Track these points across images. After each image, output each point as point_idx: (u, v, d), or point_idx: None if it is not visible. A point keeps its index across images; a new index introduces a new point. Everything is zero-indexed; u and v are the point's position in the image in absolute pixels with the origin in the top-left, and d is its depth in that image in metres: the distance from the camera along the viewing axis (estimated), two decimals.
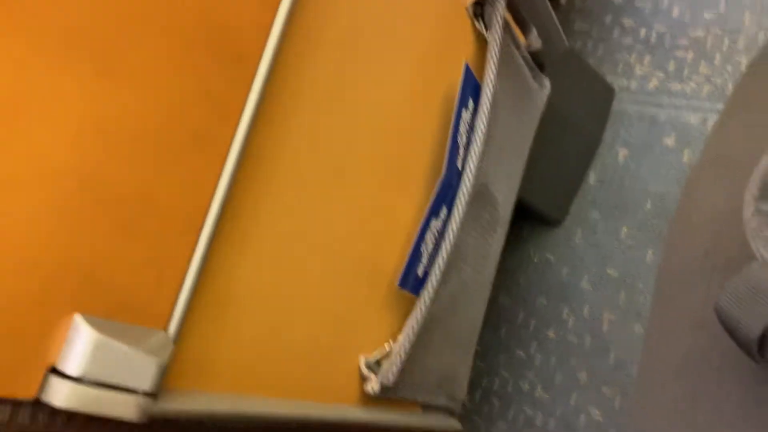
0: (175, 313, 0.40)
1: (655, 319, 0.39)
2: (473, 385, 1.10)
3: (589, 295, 1.03)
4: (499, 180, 0.75)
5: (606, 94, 1.09)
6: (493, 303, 1.09)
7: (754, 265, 0.28)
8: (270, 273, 0.49)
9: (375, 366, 0.63)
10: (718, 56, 1.02)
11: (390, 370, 0.61)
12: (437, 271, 0.63)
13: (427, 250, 0.64)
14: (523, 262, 1.12)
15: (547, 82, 0.83)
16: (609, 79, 1.12)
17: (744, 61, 0.99)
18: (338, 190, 0.55)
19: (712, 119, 0.99)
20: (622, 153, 1.07)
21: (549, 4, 0.75)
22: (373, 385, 0.61)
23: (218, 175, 0.41)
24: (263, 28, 0.41)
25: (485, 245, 0.75)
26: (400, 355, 0.62)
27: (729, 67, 1.00)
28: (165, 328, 0.40)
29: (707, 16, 1.05)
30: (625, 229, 1.03)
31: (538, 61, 0.82)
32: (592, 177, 1.09)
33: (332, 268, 0.57)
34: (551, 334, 1.05)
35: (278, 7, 0.41)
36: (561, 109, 1.00)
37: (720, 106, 1.00)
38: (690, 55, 1.05)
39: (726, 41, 1.02)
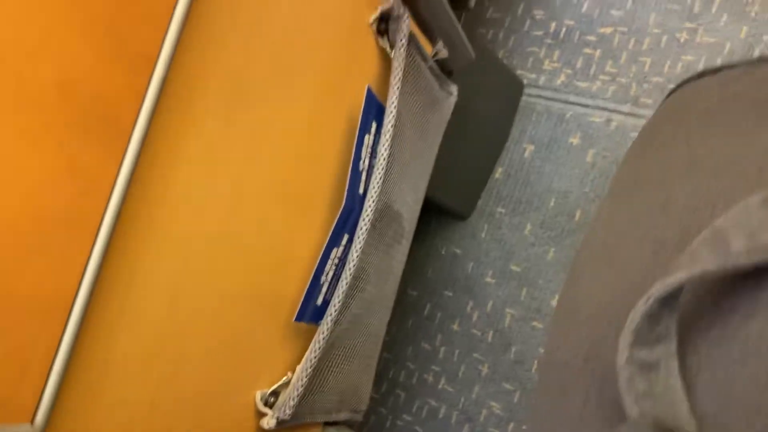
0: (43, 403, 0.37)
1: (539, 406, 0.39)
2: (380, 377, 1.12)
3: (492, 290, 1.05)
4: (404, 195, 0.73)
5: (515, 88, 1.09)
6: (402, 294, 1.10)
7: (623, 428, 0.28)
8: (155, 330, 0.46)
9: (272, 399, 0.62)
10: (624, 55, 1.03)
11: (287, 403, 0.60)
12: (337, 300, 0.62)
13: (327, 280, 0.63)
14: (431, 255, 1.12)
15: (454, 89, 0.82)
16: (519, 72, 1.11)
17: (648, 62, 1.01)
18: (236, 226, 0.52)
19: (616, 120, 1.01)
20: (529, 149, 1.08)
21: (453, 15, 0.72)
22: (268, 421, 0.60)
23: (88, 253, 0.38)
24: (135, 94, 0.37)
25: (389, 260, 0.75)
26: (298, 387, 0.61)
27: (633, 68, 1.02)
28: (31, 421, 0.37)
29: (615, 13, 1.05)
30: (529, 226, 1.04)
31: (447, 69, 0.80)
32: (499, 171, 1.10)
33: (230, 306, 0.54)
34: (456, 326, 1.06)
35: (152, 70, 0.37)
36: (470, 106, 1.00)
37: (624, 108, 1.01)
38: (597, 53, 1.05)
39: (632, 41, 1.03)
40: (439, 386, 1.05)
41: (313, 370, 0.61)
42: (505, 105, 1.08)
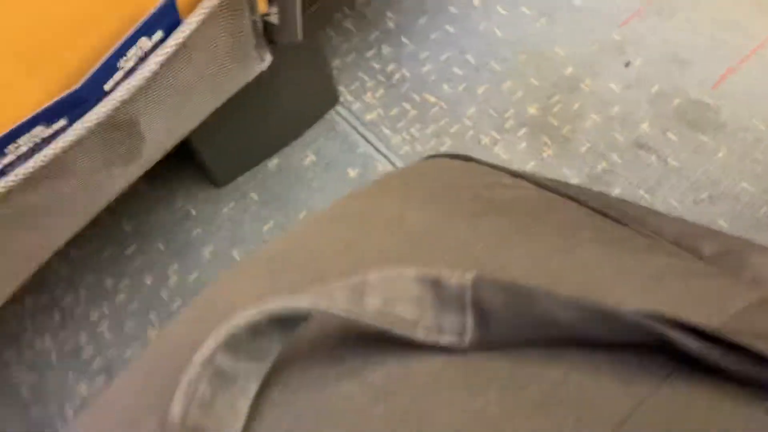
0: None
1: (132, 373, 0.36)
2: (46, 285, 1.01)
3: (204, 265, 1.01)
4: (157, 120, 0.67)
5: (328, 99, 1.08)
6: (112, 223, 1.02)
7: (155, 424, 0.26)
8: None
9: None
10: (431, 128, 1.07)
11: None
12: (13, 177, 0.54)
13: (16, 153, 0.55)
14: (163, 201, 1.05)
15: (267, 58, 0.78)
16: (340, 88, 1.11)
17: (447, 144, 1.05)
18: None
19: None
20: (310, 158, 1.07)
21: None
22: None
23: None
24: None
25: (104, 176, 0.68)
26: None
27: (433, 142, 1.06)
28: None
29: (445, 88, 1.10)
30: (271, 224, 1.03)
31: (270, 36, 0.77)
32: (274, 162, 1.07)
33: None
34: (149, 281, 1.00)
35: None
36: (276, 88, 0.97)
37: None
38: (413, 113, 1.08)
39: (444, 119, 1.07)
40: (98, 329, 0.98)
41: None
42: (311, 107, 1.07)
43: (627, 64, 1.09)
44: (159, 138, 0.72)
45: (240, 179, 1.06)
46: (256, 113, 0.98)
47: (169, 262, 1.01)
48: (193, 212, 1.05)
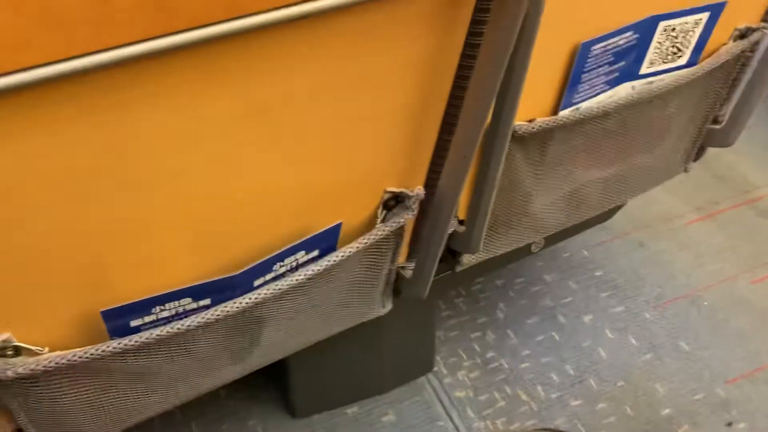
0: None
1: None
2: None
3: None
4: (277, 330, 0.72)
5: (423, 365, 1.10)
6: (183, 427, 1.02)
7: None
8: None
9: (13, 351, 0.56)
10: (515, 425, 1.05)
11: (20, 364, 0.54)
12: (138, 340, 0.58)
13: (158, 315, 0.60)
14: (238, 415, 1.06)
15: (388, 305, 0.83)
16: (437, 358, 1.13)
17: None
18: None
19: None
20: (389, 417, 1.06)
21: (437, 261, 0.76)
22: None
23: None
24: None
25: (211, 366, 0.70)
26: (44, 365, 0.55)
27: None
28: None
29: (539, 390, 1.09)
30: None
31: (397, 287, 0.82)
32: (353, 410, 1.07)
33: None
34: None
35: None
36: (382, 338, 1.00)
37: None
38: (501, 403, 1.07)
39: (530, 422, 1.05)
40: None
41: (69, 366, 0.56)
42: (405, 367, 1.09)
43: (729, 424, 1.06)
44: (270, 347, 0.75)
45: (315, 417, 1.06)
46: (354, 356, 1.01)
47: None
48: (258, 429, 1.03)
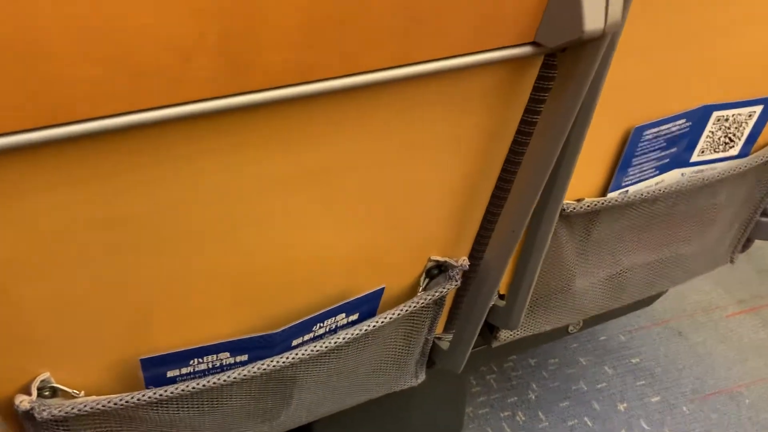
0: None
1: None
2: None
3: None
4: (308, 393, 0.71)
5: None
6: None
7: None
8: None
9: (50, 392, 0.56)
10: None
11: (56, 406, 0.54)
12: (174, 391, 0.58)
13: (195, 368, 0.59)
14: None
15: (421, 376, 0.82)
16: None
17: None
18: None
19: None
20: None
21: (476, 334, 0.74)
22: (21, 403, 0.53)
23: None
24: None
25: (239, 424, 0.69)
26: (79, 408, 0.55)
27: None
28: None
29: None
30: None
31: (433, 357, 0.81)
32: None
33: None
34: None
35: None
36: (410, 410, 0.98)
37: None
38: None
39: None
40: None
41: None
42: None
43: None
44: (299, 409, 0.74)
45: None
46: (380, 426, 0.98)
47: None
48: None
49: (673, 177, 0.79)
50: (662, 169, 0.78)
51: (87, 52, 0.34)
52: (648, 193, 0.76)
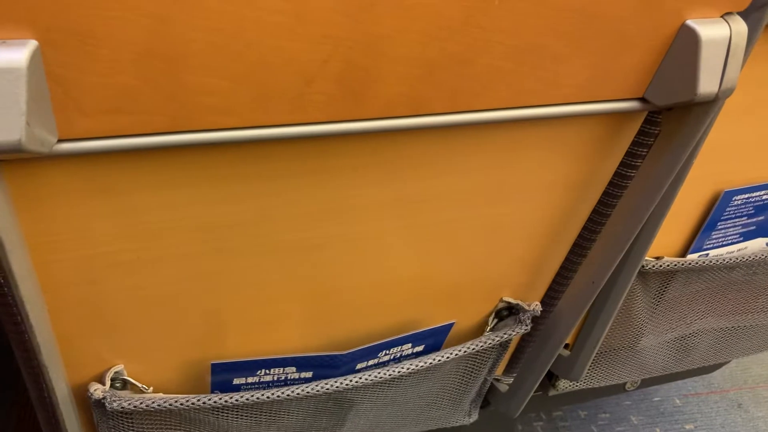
0: None
1: None
2: None
3: None
4: (363, 419, 0.71)
5: None
6: None
7: None
8: None
9: (121, 384, 0.58)
10: None
11: (126, 399, 0.55)
12: (240, 399, 0.58)
13: (260, 378, 0.60)
14: None
15: (474, 415, 0.81)
16: None
17: None
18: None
19: None
20: None
21: (540, 379, 0.73)
22: (95, 392, 0.55)
23: None
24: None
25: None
26: (147, 404, 0.56)
27: None
28: None
29: None
30: None
31: (487, 398, 0.80)
32: None
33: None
34: None
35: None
36: None
37: None
38: None
39: None
40: None
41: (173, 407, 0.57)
42: None
43: None
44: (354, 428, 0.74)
45: None
46: None
47: None
48: None
49: (757, 245, 0.77)
50: (747, 236, 0.76)
51: (220, 66, 0.36)
52: (729, 259, 0.74)
